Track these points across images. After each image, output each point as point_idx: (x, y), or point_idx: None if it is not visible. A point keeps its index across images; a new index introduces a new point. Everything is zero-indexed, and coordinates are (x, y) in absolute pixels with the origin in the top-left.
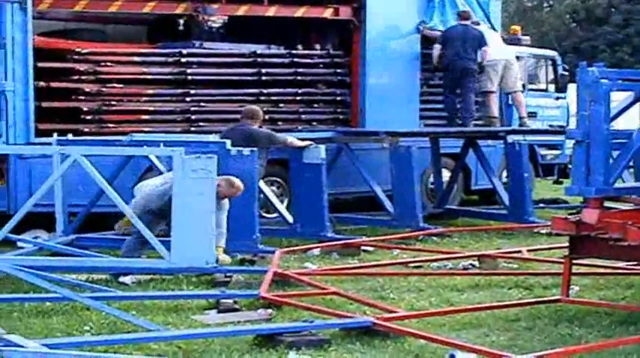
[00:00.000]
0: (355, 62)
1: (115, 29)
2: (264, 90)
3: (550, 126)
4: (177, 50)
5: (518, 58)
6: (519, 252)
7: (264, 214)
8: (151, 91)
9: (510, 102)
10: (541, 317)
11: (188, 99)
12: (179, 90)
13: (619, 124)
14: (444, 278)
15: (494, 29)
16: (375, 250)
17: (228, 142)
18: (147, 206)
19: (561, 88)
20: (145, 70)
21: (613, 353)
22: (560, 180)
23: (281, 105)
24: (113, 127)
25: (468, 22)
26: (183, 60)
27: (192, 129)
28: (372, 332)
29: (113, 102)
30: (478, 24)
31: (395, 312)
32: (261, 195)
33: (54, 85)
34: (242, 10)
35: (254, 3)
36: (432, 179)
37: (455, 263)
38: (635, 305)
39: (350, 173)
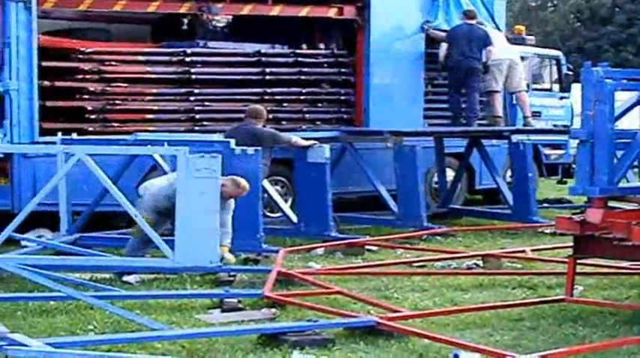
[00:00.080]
0: (359, 62)
1: (120, 28)
2: (268, 90)
3: (554, 125)
4: (181, 49)
5: (522, 58)
6: (523, 251)
7: (268, 213)
8: (155, 90)
9: (514, 101)
10: (545, 317)
11: (192, 98)
12: (183, 90)
13: (622, 124)
14: (447, 278)
15: (498, 29)
16: (379, 250)
17: (233, 142)
18: (155, 207)
19: (565, 88)
20: (149, 69)
21: (617, 352)
22: (564, 179)
23: (285, 104)
24: (117, 126)
25: (473, 22)
26: (188, 59)
27: (197, 128)
28: (376, 331)
29: (117, 102)
30: (481, 24)
31: (399, 312)
32: (265, 195)
33: (58, 84)
34: (246, 10)
35: (258, 2)
36: (436, 178)
37: (459, 262)
38: (639, 304)
39: (354, 172)
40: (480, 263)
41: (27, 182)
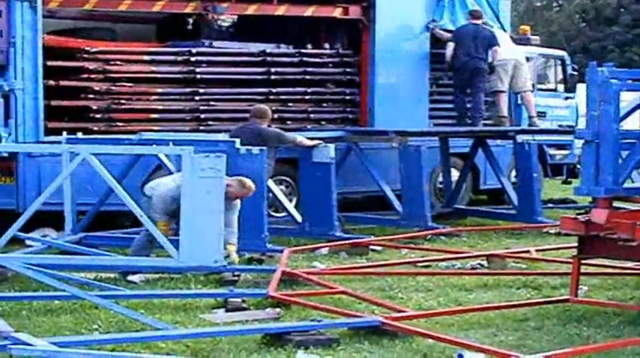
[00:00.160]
0: (364, 61)
1: (125, 28)
2: (274, 90)
3: (559, 126)
4: (186, 49)
5: (527, 59)
6: (528, 251)
7: (273, 213)
8: (160, 90)
9: (519, 101)
10: (549, 317)
11: (197, 98)
12: (188, 89)
13: (627, 124)
14: (452, 278)
15: (503, 29)
16: (383, 249)
17: (238, 141)
18: (165, 208)
19: (570, 88)
20: (154, 68)
21: (621, 353)
22: (569, 180)
23: (290, 104)
24: (122, 126)
25: (479, 22)
26: (193, 59)
27: (202, 128)
28: (381, 331)
29: (122, 101)
30: (486, 24)
31: (403, 312)
32: (270, 194)
33: (63, 83)
34: (251, 9)
35: (263, 2)
36: (440, 178)
37: (463, 262)
38: None
39: (359, 172)
40: (485, 263)
41: (32, 181)
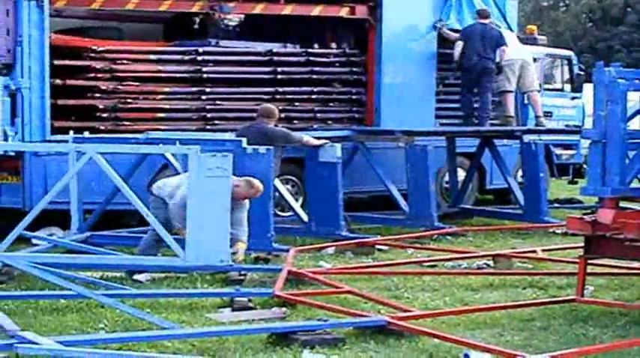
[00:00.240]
0: (371, 61)
1: (132, 27)
2: (280, 89)
3: (566, 126)
4: (193, 48)
5: (534, 59)
6: (534, 251)
7: (279, 213)
8: (166, 89)
9: (526, 101)
10: (556, 317)
11: (204, 97)
12: (195, 89)
13: (634, 124)
14: (458, 278)
15: (510, 29)
16: (389, 249)
17: (244, 141)
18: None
19: (577, 88)
20: (160, 68)
21: (628, 353)
22: (575, 180)
23: (296, 103)
24: (129, 125)
25: (487, 21)
26: (199, 58)
27: (208, 127)
28: (387, 331)
29: (129, 100)
30: (493, 24)
31: (409, 311)
32: (276, 194)
33: (70, 82)
34: (258, 9)
35: (270, 1)
36: (446, 178)
37: (469, 262)
38: None
39: (365, 172)
40: (491, 263)
41: (38, 180)
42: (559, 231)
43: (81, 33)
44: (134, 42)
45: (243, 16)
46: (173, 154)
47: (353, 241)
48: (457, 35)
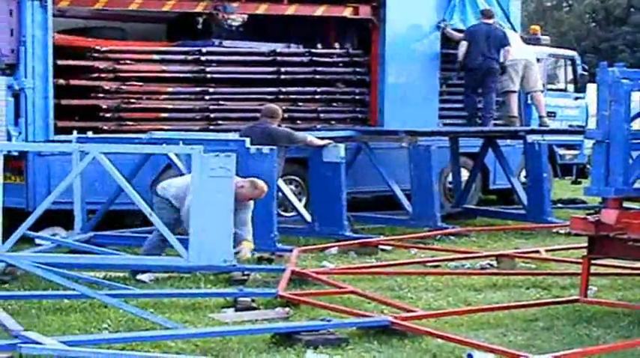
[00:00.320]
0: (374, 61)
1: (135, 27)
2: (283, 89)
3: (569, 126)
4: (196, 48)
5: (538, 59)
6: (537, 251)
7: (282, 213)
8: (170, 89)
9: (529, 101)
10: (559, 318)
11: (207, 97)
12: (198, 89)
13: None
14: (461, 278)
15: (513, 29)
16: (392, 249)
17: (248, 141)
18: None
19: (580, 88)
20: (164, 68)
21: (631, 354)
22: (579, 180)
23: (300, 103)
24: (132, 125)
25: (491, 21)
26: (203, 58)
27: (211, 127)
28: (390, 331)
29: (132, 100)
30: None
31: (412, 311)
32: (280, 194)
33: (73, 82)
34: (262, 9)
35: (273, 2)
36: (450, 178)
37: (473, 262)
38: None
39: (368, 172)
40: (494, 263)
41: (41, 180)
42: (562, 231)
43: (84, 33)
44: (137, 42)
45: (246, 16)
46: (176, 154)
47: (356, 241)
48: (461, 35)
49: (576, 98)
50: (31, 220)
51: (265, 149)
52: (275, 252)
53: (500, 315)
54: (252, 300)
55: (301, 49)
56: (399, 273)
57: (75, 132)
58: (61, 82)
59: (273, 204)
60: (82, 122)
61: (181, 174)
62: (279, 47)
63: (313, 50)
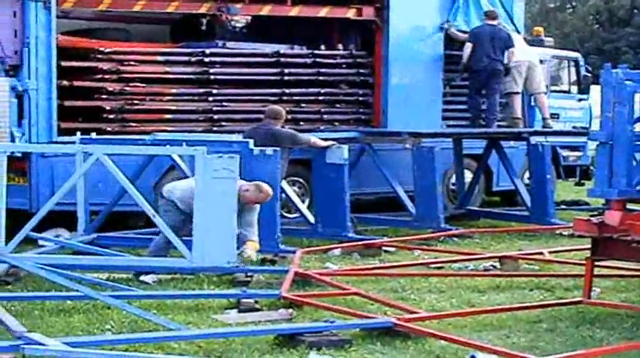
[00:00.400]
0: (378, 62)
1: (139, 28)
2: (287, 90)
3: (573, 127)
4: (200, 50)
5: (541, 61)
6: (541, 253)
7: (286, 214)
8: (173, 91)
9: (533, 103)
10: (562, 319)
11: (211, 98)
12: (202, 90)
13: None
14: (465, 280)
15: (517, 30)
16: (396, 251)
17: (251, 142)
18: None
19: (584, 90)
20: (167, 69)
21: (635, 355)
22: (582, 181)
23: (303, 105)
24: (136, 126)
25: (495, 22)
26: (206, 59)
27: (215, 128)
28: (393, 332)
29: (136, 102)
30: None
31: (416, 313)
32: (283, 195)
33: (77, 83)
34: (265, 10)
35: (277, 3)
36: (453, 180)
37: (476, 264)
38: None
39: (372, 173)
40: (498, 264)
41: (45, 181)
42: (566, 233)
43: (88, 34)
44: (141, 43)
45: (250, 17)
46: (180, 156)
47: (359, 243)
48: (465, 36)
49: (580, 99)
50: (34, 221)
51: (269, 150)
52: (278, 254)
53: (504, 317)
54: (256, 301)
55: (305, 51)
56: (402, 275)
57: (78, 133)
58: (65, 83)
59: (276, 205)
60: (86, 123)
61: (185, 176)
62: (283, 48)
63: (317, 51)
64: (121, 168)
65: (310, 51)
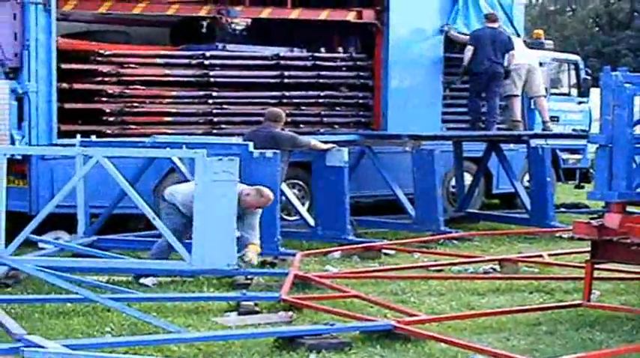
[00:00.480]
0: (378, 65)
1: (139, 31)
2: (287, 93)
3: (573, 130)
4: (200, 52)
5: (541, 64)
6: (540, 256)
7: (286, 217)
8: (173, 93)
9: (533, 106)
10: (562, 322)
11: (211, 101)
12: (202, 93)
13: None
14: (464, 282)
15: (517, 33)
16: (395, 253)
17: (251, 145)
18: None
19: (583, 93)
20: (167, 71)
21: None
22: (582, 184)
23: (303, 108)
24: (135, 129)
25: (495, 25)
26: (206, 62)
27: (215, 131)
28: (393, 335)
29: (136, 104)
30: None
31: (415, 316)
32: (283, 198)
33: (77, 86)
34: (265, 13)
35: (277, 5)
36: (453, 182)
37: (476, 267)
38: None
39: (372, 176)
40: (497, 267)
41: (45, 184)
42: (565, 236)
43: (88, 37)
44: (141, 46)
45: (250, 20)
46: (180, 158)
47: (359, 245)
48: (466, 37)
49: (579, 102)
50: (34, 224)
51: (268, 153)
52: (278, 256)
53: (504, 319)
54: (255, 304)
55: (305, 53)
56: (402, 278)
57: (78, 135)
58: (65, 85)
59: (276, 208)
60: (86, 126)
61: (185, 178)
62: (283, 51)
63: (317, 54)
64: (120, 170)
65: (310, 53)
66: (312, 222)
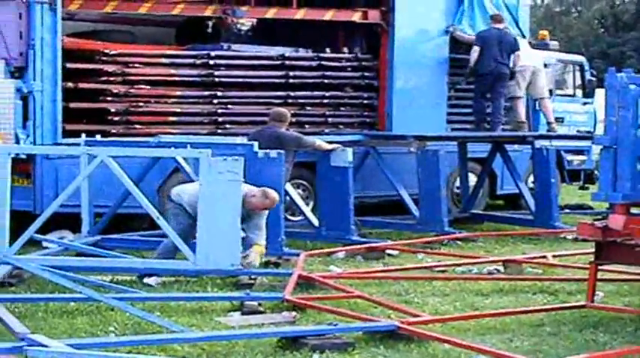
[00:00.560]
0: (383, 66)
1: (144, 31)
2: (292, 93)
3: (578, 131)
4: (205, 52)
5: (546, 65)
6: (544, 257)
7: (290, 217)
8: (178, 93)
9: (537, 107)
10: (566, 323)
11: (215, 101)
12: (207, 92)
13: None
14: (468, 283)
15: (522, 34)
16: (399, 254)
17: (256, 145)
18: None
19: (588, 94)
20: (172, 71)
21: None
22: (586, 185)
23: (308, 108)
24: (140, 128)
25: (501, 26)
26: (211, 62)
27: (220, 131)
28: (396, 335)
29: (141, 104)
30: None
31: (419, 316)
32: (287, 198)
33: (82, 85)
34: (270, 13)
35: (283, 6)
36: (457, 183)
37: (480, 267)
38: None
39: (376, 176)
40: (501, 268)
41: (49, 183)
42: (570, 237)
43: (93, 36)
44: (146, 45)
45: (255, 20)
46: (184, 158)
47: (363, 246)
48: (471, 37)
49: (584, 103)
50: (38, 223)
51: (273, 153)
52: (282, 256)
53: (507, 320)
54: (259, 304)
55: (310, 54)
56: (405, 278)
57: (83, 135)
58: (70, 85)
59: (280, 208)
60: (90, 125)
61: (190, 178)
62: (288, 51)
63: (322, 54)
64: (125, 170)
65: (315, 54)
66: (316, 222)
